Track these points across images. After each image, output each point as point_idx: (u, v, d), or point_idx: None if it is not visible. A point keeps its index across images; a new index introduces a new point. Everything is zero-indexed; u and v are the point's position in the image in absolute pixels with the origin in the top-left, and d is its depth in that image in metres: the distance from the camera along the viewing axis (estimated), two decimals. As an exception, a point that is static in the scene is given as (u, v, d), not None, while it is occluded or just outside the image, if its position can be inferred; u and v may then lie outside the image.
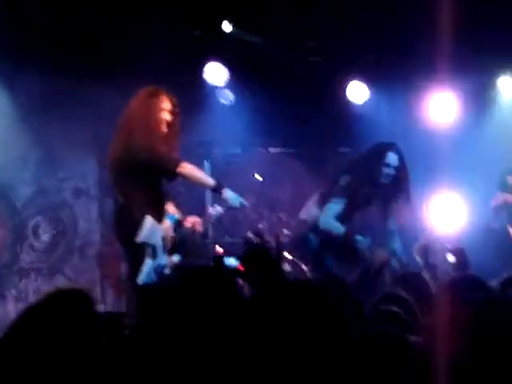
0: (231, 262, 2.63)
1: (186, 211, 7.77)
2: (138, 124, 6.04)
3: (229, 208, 6.21)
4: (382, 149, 6.85)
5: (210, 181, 6.16)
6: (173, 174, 6.14)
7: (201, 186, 6.71)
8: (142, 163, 6.00)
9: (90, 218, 8.78)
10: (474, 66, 8.61)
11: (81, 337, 2.62)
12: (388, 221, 6.95)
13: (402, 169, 6.82)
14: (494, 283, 4.00)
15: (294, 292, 2.11)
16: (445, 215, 9.20)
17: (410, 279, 4.10)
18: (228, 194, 6.08)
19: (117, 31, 8.20)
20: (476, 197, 8.60)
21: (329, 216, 6.72)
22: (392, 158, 6.76)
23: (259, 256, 2.72)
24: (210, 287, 2.64)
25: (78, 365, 2.50)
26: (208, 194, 8.46)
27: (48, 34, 7.89)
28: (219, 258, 2.61)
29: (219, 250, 8.08)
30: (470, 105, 9.14)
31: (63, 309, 2.78)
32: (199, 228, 6.66)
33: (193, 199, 8.55)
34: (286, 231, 8.58)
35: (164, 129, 6.14)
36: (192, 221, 6.62)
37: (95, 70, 8.09)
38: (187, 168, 6.12)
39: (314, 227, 6.89)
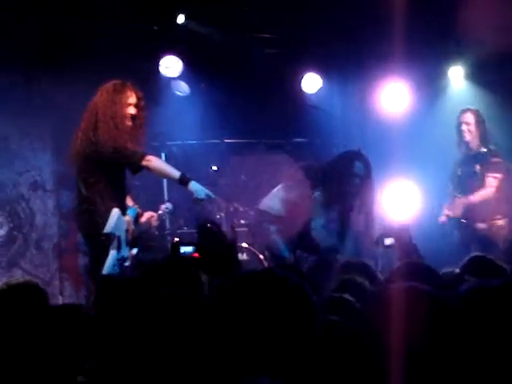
0: (187, 249, 2.70)
1: (143, 203, 7.82)
2: (104, 118, 6.08)
3: (195, 200, 6.25)
4: (349, 159, 6.89)
5: (176, 173, 6.20)
6: (138, 167, 6.18)
7: (166, 178, 6.75)
8: (107, 157, 6.04)
9: (46, 212, 8.74)
10: (426, 56, 8.74)
11: (34, 329, 2.64)
12: (347, 225, 7.03)
13: (366, 178, 6.86)
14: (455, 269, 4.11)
15: (261, 282, 2.14)
16: (399, 203, 9.33)
17: (358, 266, 4.18)
18: (194, 186, 6.12)
19: (74, 25, 8.18)
20: (429, 184, 8.73)
21: (320, 230, 6.84)
22: (358, 167, 6.82)
23: (214, 242, 2.77)
24: (170, 279, 2.69)
25: (31, 356, 2.52)
26: (166, 186, 8.51)
27: (5, 27, 7.83)
28: (176, 246, 2.68)
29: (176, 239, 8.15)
30: (422, 94, 9.26)
31: (16, 302, 2.80)
32: (154, 223, 6.73)
33: (150, 191, 8.57)
34: (243, 221, 8.64)
35: (129, 122, 6.19)
36: (148, 216, 6.68)
37: (52, 63, 8.05)
38: (152, 161, 6.18)
39: (276, 219, 6.95)
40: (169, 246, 7.94)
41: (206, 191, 6.16)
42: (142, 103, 6.28)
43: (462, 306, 1.75)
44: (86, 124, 6.16)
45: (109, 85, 6.27)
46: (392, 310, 1.68)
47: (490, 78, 8.94)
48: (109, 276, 5.81)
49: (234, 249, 2.89)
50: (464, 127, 7.96)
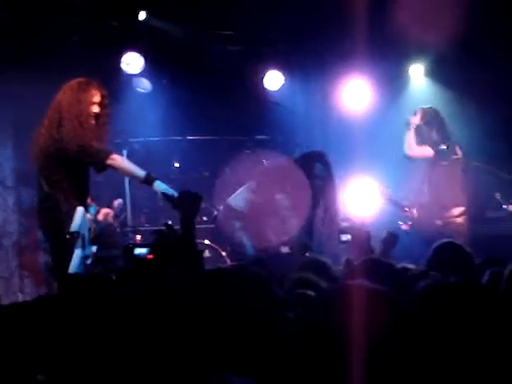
0: (141, 251, 2.69)
1: (106, 200, 7.80)
2: (68, 116, 6.06)
3: (161, 199, 6.24)
4: (310, 160, 6.91)
5: (141, 173, 6.19)
6: (102, 166, 6.17)
7: (131, 177, 6.75)
8: (72, 155, 6.02)
9: (6, 209, 8.66)
10: (387, 54, 8.81)
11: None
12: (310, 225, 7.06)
13: (327, 179, 6.87)
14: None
15: (229, 278, 2.15)
16: (361, 200, 9.39)
17: (315, 264, 4.20)
18: (159, 186, 6.12)
19: (35, 21, 8.12)
20: (389, 181, 8.80)
21: None
22: (319, 168, 6.83)
23: (168, 245, 2.77)
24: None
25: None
26: (127, 183, 8.48)
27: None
28: (130, 248, 2.66)
29: (138, 238, 8.14)
30: (383, 92, 9.35)
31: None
32: (111, 219, 6.73)
33: (112, 188, 8.54)
34: (205, 218, 8.63)
35: (92, 121, 6.18)
36: (104, 213, 6.67)
37: (14, 60, 7.98)
38: (117, 160, 6.17)
39: (241, 216, 6.97)
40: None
41: (171, 191, 6.15)
42: (106, 102, 6.29)
43: (419, 304, 1.76)
44: (50, 122, 6.13)
45: (73, 82, 6.24)
46: (345, 310, 1.69)
47: (449, 76, 9.04)
48: (75, 275, 5.81)
49: (191, 245, 2.88)
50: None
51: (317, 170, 6.82)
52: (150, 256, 2.84)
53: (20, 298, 8.31)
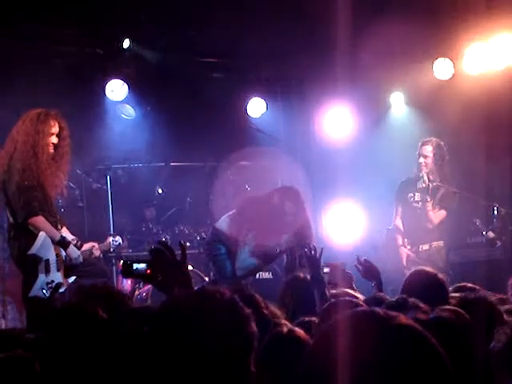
0: (140, 266, 2.73)
1: (89, 224, 7.80)
2: (23, 147, 6.17)
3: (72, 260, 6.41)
4: (279, 198, 6.91)
5: (57, 235, 6.33)
6: (22, 220, 6.23)
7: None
8: (8, 188, 6.18)
9: (-12, 234, 8.64)
10: (368, 82, 8.92)
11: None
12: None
13: (298, 215, 6.85)
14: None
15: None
16: (343, 224, 9.47)
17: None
18: (71, 249, 6.36)
19: (22, 47, 8.18)
20: (373, 206, 8.89)
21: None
22: (288, 206, 6.86)
23: (166, 260, 2.82)
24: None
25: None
26: (110, 209, 8.52)
27: None
28: (128, 263, 2.68)
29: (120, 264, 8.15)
30: (364, 119, 9.44)
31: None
32: (96, 252, 6.78)
33: (95, 211, 8.58)
34: (188, 243, 8.67)
35: (51, 150, 6.30)
36: (89, 246, 6.74)
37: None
38: (38, 223, 6.24)
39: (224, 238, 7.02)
40: (112, 268, 8.00)
41: (80, 258, 6.44)
42: (65, 133, 6.42)
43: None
44: (5, 153, 6.28)
45: (32, 113, 6.37)
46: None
47: (428, 104, 9.13)
48: (36, 299, 5.95)
49: (185, 265, 2.94)
50: (421, 160, 8.02)
51: (286, 208, 6.83)
52: (149, 271, 2.90)
53: (3, 323, 8.28)
